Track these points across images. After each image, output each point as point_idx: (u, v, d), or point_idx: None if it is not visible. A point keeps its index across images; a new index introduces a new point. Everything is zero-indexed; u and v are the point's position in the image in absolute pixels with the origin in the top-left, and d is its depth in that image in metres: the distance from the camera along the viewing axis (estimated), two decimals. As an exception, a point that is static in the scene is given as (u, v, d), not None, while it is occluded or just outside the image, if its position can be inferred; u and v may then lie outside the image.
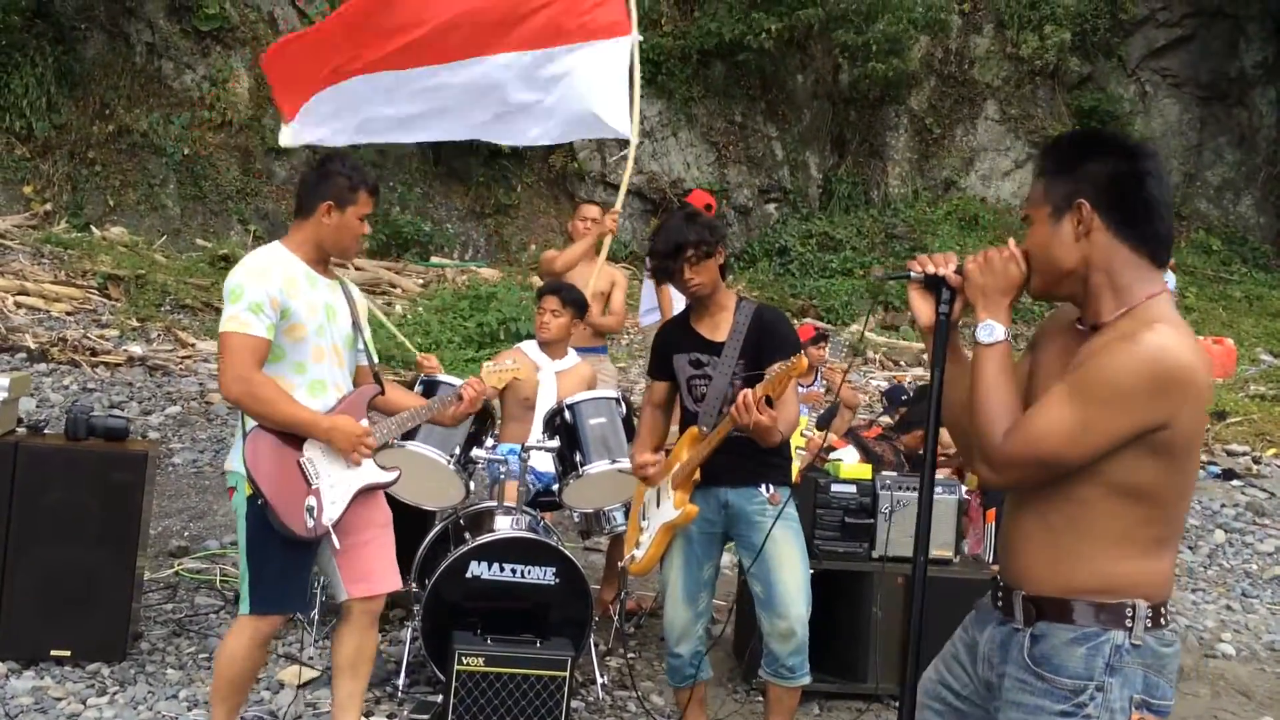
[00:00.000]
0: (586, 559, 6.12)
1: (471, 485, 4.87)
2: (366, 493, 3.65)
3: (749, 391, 3.58)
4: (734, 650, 5.14)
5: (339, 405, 3.62)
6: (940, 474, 5.67)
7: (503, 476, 4.74)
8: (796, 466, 4.81)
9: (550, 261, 6.46)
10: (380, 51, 6.19)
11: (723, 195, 15.29)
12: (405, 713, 4.32)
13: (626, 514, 4.66)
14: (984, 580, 2.43)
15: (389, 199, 14.47)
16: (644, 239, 12.87)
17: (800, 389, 6.31)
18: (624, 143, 6.26)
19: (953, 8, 17.36)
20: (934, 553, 4.66)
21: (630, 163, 6.48)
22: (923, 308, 2.29)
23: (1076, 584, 2.11)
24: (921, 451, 6.28)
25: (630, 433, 4.79)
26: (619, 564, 4.80)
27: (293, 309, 3.50)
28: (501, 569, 4.37)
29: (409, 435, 4.67)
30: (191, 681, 4.42)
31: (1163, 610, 2.12)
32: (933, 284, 2.28)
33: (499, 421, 5.46)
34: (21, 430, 4.76)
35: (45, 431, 4.72)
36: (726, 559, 4.80)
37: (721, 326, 3.96)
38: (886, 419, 7.18)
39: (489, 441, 4.92)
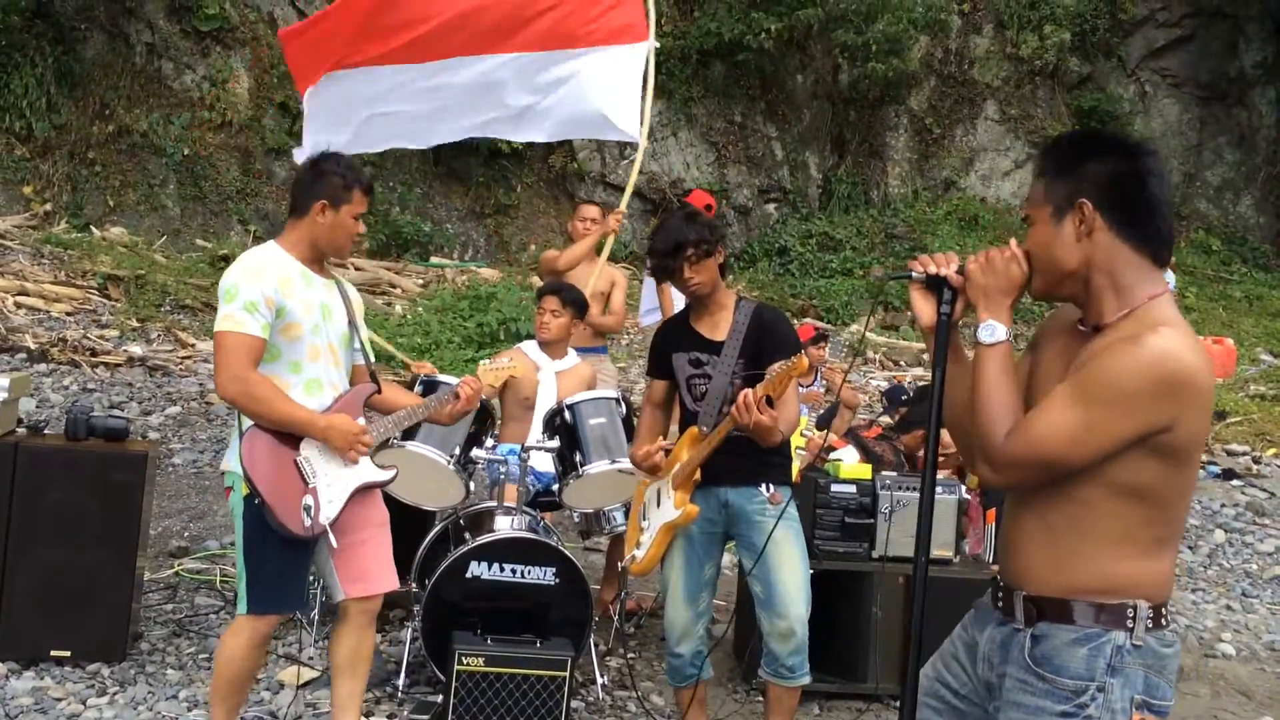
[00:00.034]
0: (586, 559, 6.12)
1: (471, 485, 4.87)
2: (363, 491, 3.64)
3: (750, 391, 3.58)
4: (734, 650, 5.14)
5: (335, 404, 3.61)
6: (940, 474, 5.67)
7: (503, 479, 4.74)
8: (796, 466, 4.81)
9: (552, 261, 6.46)
10: (383, 47, 6.19)
11: (722, 195, 15.29)
12: (405, 713, 4.32)
13: (626, 514, 4.66)
14: (984, 580, 2.42)
15: (389, 199, 14.48)
16: (644, 239, 12.87)
17: (800, 389, 6.31)
18: (630, 146, 6.27)
19: (952, 8, 17.36)
20: (934, 553, 4.66)
21: (637, 166, 6.49)
22: (924, 308, 2.29)
23: (1077, 584, 2.11)
24: (922, 451, 6.28)
25: (630, 433, 4.79)
26: (619, 564, 4.80)
27: (288, 308, 3.49)
28: (501, 569, 4.37)
29: (409, 435, 4.67)
30: (191, 682, 4.42)
31: (1163, 611, 2.12)
32: (934, 284, 2.27)
33: (499, 422, 5.46)
34: (21, 430, 4.76)
35: (45, 432, 4.72)
36: (726, 559, 4.80)
37: (721, 326, 3.96)
38: (886, 419, 7.18)
39: (489, 441, 4.92)
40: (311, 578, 4.06)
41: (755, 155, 16.41)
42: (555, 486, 4.96)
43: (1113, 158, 2.15)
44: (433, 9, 6.18)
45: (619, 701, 4.64)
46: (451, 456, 4.71)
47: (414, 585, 4.65)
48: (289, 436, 3.50)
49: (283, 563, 3.50)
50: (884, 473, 5.07)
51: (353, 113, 6.39)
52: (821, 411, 7.89)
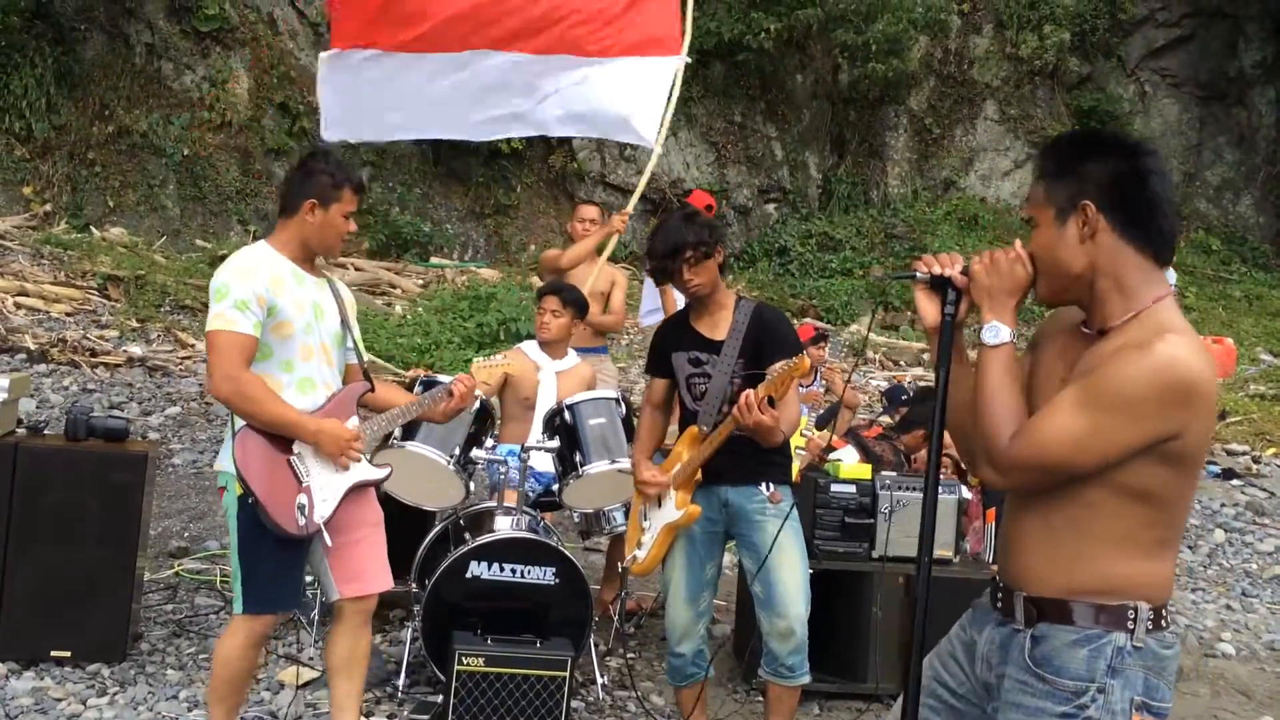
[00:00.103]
0: (586, 559, 6.12)
1: (471, 485, 4.87)
2: (358, 490, 3.64)
3: (751, 392, 3.58)
4: (734, 650, 5.14)
5: (329, 403, 3.61)
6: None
7: (502, 482, 4.74)
8: (796, 466, 4.81)
9: (553, 260, 6.46)
10: (421, 30, 6.21)
11: (722, 195, 15.30)
12: (405, 713, 4.32)
13: (626, 514, 4.66)
14: (984, 580, 2.42)
15: (389, 199, 14.49)
16: (644, 239, 12.89)
17: (800, 389, 6.31)
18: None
19: (952, 8, 17.37)
20: (935, 552, 4.65)
21: (648, 171, 6.51)
22: (928, 308, 2.28)
23: (1078, 585, 2.11)
24: (922, 451, 6.27)
25: (630, 433, 4.79)
26: (619, 564, 4.80)
27: (279, 306, 3.49)
28: (501, 569, 4.37)
29: (409, 435, 4.67)
30: (191, 682, 4.42)
31: (1164, 612, 2.12)
32: (939, 284, 2.26)
33: (499, 422, 5.46)
34: (21, 431, 4.76)
35: (45, 432, 4.72)
36: (727, 559, 4.80)
37: (721, 325, 3.96)
38: (886, 419, 7.18)
39: (489, 442, 4.92)
40: (310, 578, 4.06)
41: (755, 155, 16.42)
42: (555, 486, 4.95)
43: (1113, 158, 2.14)
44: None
45: (619, 701, 4.64)
46: (451, 457, 4.71)
47: (414, 585, 4.65)
48: (282, 436, 3.50)
49: (278, 562, 3.50)
50: (884, 473, 5.07)
51: (381, 99, 6.40)
52: (821, 411, 7.89)
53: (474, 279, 13.19)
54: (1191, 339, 2.05)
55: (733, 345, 3.89)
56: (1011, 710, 2.14)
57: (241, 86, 13.98)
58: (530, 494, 4.97)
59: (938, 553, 4.77)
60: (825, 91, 17.18)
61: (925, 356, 12.85)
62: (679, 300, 5.98)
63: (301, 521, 3.45)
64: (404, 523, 4.89)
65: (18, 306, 10.23)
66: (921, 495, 4.80)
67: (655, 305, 7.14)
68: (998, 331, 2.17)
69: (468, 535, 4.49)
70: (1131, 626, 2.08)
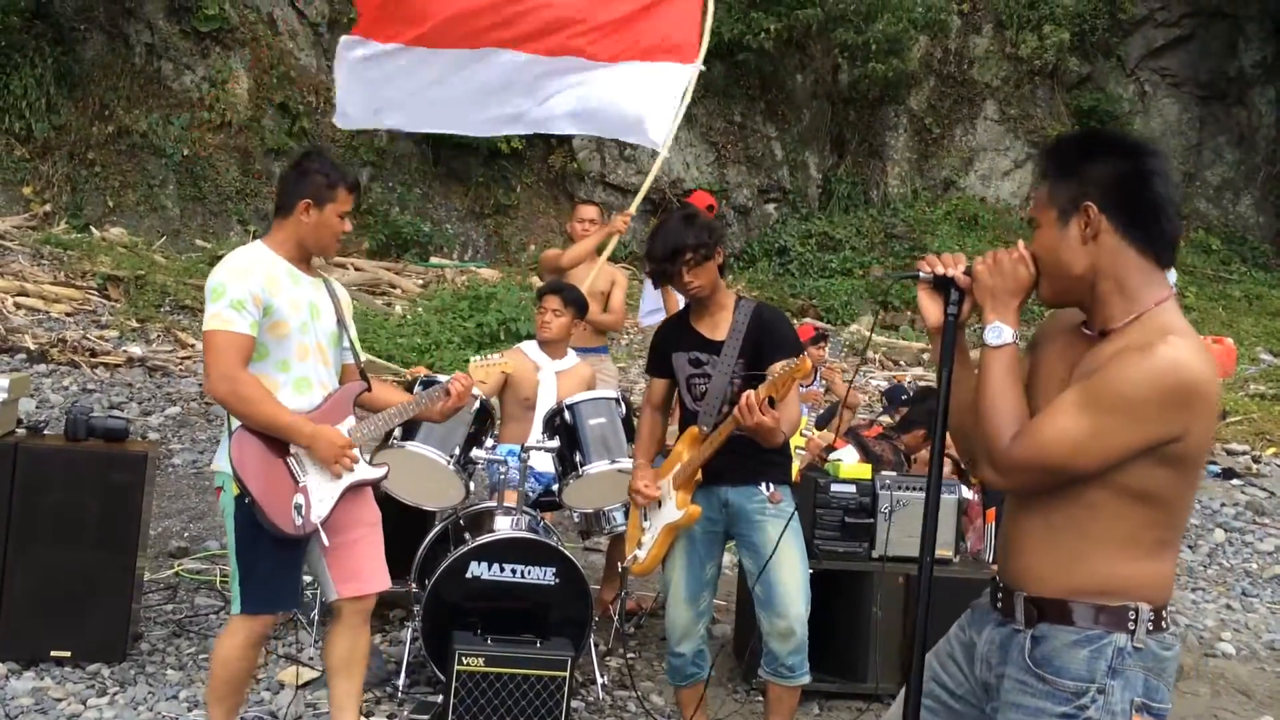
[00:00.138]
0: (586, 559, 6.12)
1: (471, 485, 4.87)
2: (355, 490, 3.63)
3: (752, 393, 3.57)
4: (734, 650, 5.14)
5: (325, 402, 3.61)
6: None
7: (502, 482, 4.74)
8: (796, 466, 4.81)
9: (554, 259, 6.46)
10: (445, 27, 6.24)
11: (722, 195, 15.30)
12: (405, 713, 4.32)
13: (626, 514, 4.66)
14: (984, 580, 2.41)
15: (388, 199, 14.49)
16: (644, 239, 12.91)
17: (800, 388, 6.32)
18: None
19: (952, 8, 17.37)
20: (935, 552, 4.65)
21: (653, 173, 6.54)
22: (931, 308, 2.28)
23: (1079, 585, 2.10)
24: (922, 451, 6.26)
25: (630, 433, 4.79)
26: (619, 564, 4.80)
27: (275, 306, 3.49)
28: (501, 569, 4.37)
29: (409, 435, 4.67)
30: (192, 682, 4.42)
31: (1164, 613, 2.12)
32: (942, 285, 2.26)
33: (499, 422, 5.46)
34: (21, 431, 4.75)
35: (45, 432, 4.72)
36: (726, 559, 4.80)
37: (721, 325, 3.96)
38: (886, 418, 7.17)
39: (489, 442, 4.92)
40: (309, 578, 4.06)
41: (755, 155, 16.41)
42: (555, 486, 4.95)
43: (1116, 158, 2.13)
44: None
45: (619, 701, 4.64)
46: (451, 457, 4.70)
47: (414, 585, 4.65)
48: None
49: (275, 562, 3.50)
50: (884, 473, 5.07)
51: (396, 92, 6.43)
52: (821, 411, 7.89)
53: (474, 279, 13.19)
54: (1193, 341, 2.05)
55: (733, 345, 3.89)
56: (1011, 710, 2.14)
57: (241, 86, 13.99)
58: (530, 494, 4.97)
59: (938, 552, 4.77)
60: (825, 91, 17.18)
61: (925, 356, 12.86)
62: (680, 300, 5.99)
63: (298, 521, 3.45)
64: (404, 523, 4.89)
65: (18, 306, 10.23)
66: (921, 495, 4.83)
67: (656, 305, 7.14)
68: (1001, 332, 2.17)
69: (468, 535, 4.49)
70: (1132, 627, 2.08)
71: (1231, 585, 7.30)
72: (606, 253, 6.32)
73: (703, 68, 6.25)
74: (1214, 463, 9.55)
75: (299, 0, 14.61)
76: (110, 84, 13.58)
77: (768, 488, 3.88)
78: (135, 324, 10.35)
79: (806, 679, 3.91)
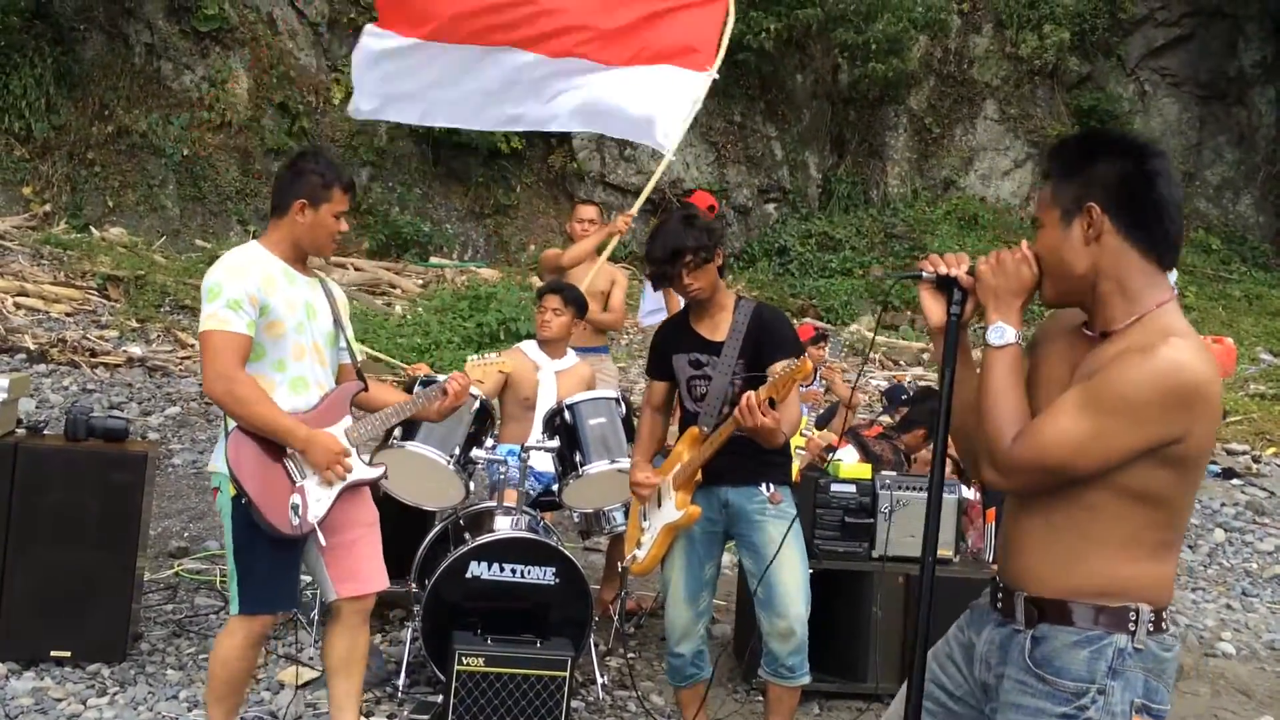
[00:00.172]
0: (586, 559, 6.12)
1: (471, 485, 4.87)
2: (352, 490, 3.63)
3: (752, 394, 3.57)
4: (734, 650, 5.14)
5: (322, 402, 3.60)
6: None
7: (502, 482, 4.74)
8: (796, 466, 4.81)
9: (554, 259, 6.47)
10: (439, 22, 6.29)
11: (722, 195, 15.29)
12: (405, 713, 4.31)
13: (626, 514, 4.66)
14: (984, 579, 2.41)
15: (388, 199, 14.49)
16: (644, 239, 12.93)
17: (800, 388, 6.33)
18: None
19: (952, 7, 17.37)
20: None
21: (656, 177, 6.56)
22: (933, 308, 2.27)
23: (1080, 586, 2.10)
24: (922, 451, 6.25)
25: (630, 433, 4.79)
26: (619, 564, 4.80)
27: (271, 305, 3.49)
28: (501, 569, 4.37)
29: (409, 435, 4.67)
30: (192, 682, 4.42)
31: (1164, 615, 2.12)
32: (944, 284, 2.26)
33: (499, 422, 5.46)
34: (21, 431, 4.75)
35: (45, 432, 4.72)
36: (726, 559, 4.79)
37: (721, 326, 3.95)
38: (887, 418, 7.18)
39: (489, 442, 4.92)
40: (309, 578, 4.06)
41: (755, 155, 16.41)
42: (555, 486, 4.95)
43: (1120, 159, 2.13)
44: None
45: (619, 701, 4.64)
46: (451, 456, 4.70)
47: (414, 585, 4.65)
48: None
49: (273, 562, 3.49)
50: (884, 472, 5.07)
51: (414, 84, 6.47)
52: (821, 411, 7.89)
53: (474, 279, 13.19)
54: (1194, 343, 2.05)
55: (733, 346, 3.89)
56: (1011, 711, 2.14)
57: (241, 86, 13.99)
58: (530, 494, 4.97)
59: (938, 552, 4.78)
60: (825, 91, 17.18)
61: (925, 356, 12.86)
62: (682, 301, 5.99)
63: (295, 521, 3.45)
64: (404, 523, 4.89)
65: (18, 306, 10.22)
66: (920, 494, 4.84)
67: (657, 306, 7.14)
68: (1003, 332, 2.17)
69: (468, 535, 4.49)
70: (1133, 628, 2.08)
71: (1231, 585, 7.30)
72: (606, 252, 6.32)
73: (715, 75, 6.28)
74: (1214, 463, 9.55)
75: (299, 0, 14.60)
76: (110, 84, 13.58)
77: (768, 488, 3.88)
78: (135, 324, 10.35)
79: (806, 679, 3.91)
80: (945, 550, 4.88)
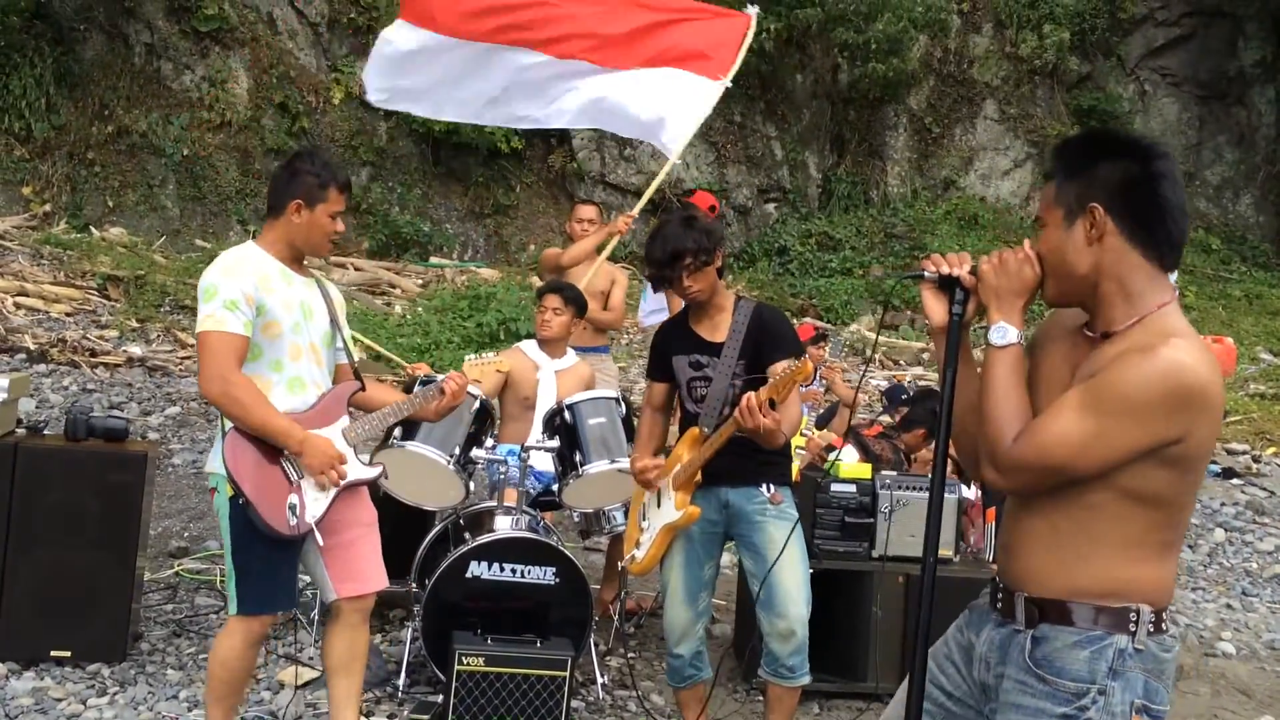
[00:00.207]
0: (586, 559, 6.12)
1: (471, 485, 4.87)
2: (350, 490, 3.63)
3: (753, 395, 3.56)
4: (734, 650, 5.14)
5: (319, 402, 3.60)
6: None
7: (502, 481, 4.74)
8: (796, 466, 4.81)
9: (554, 258, 6.47)
10: (488, 21, 6.32)
11: (722, 195, 15.29)
12: (405, 713, 4.31)
13: (626, 514, 4.66)
14: (984, 579, 2.41)
15: (388, 199, 14.49)
16: (644, 238, 12.92)
17: (800, 388, 6.33)
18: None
19: (952, 7, 17.36)
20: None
21: (658, 180, 6.57)
22: (935, 308, 2.27)
23: (1081, 586, 2.10)
24: (921, 450, 6.24)
25: (630, 432, 4.79)
26: (619, 564, 4.80)
27: (268, 306, 3.49)
28: (501, 569, 4.37)
29: (409, 435, 4.67)
30: (192, 682, 4.42)
31: (1164, 615, 2.12)
32: (947, 284, 2.25)
33: (499, 421, 5.46)
34: (21, 431, 4.75)
35: (45, 432, 4.72)
36: (726, 559, 4.79)
37: (720, 327, 3.95)
38: (886, 418, 7.18)
39: (489, 441, 4.92)
40: (308, 578, 4.06)
41: (755, 155, 16.41)
42: (555, 486, 4.95)
43: (1124, 160, 2.12)
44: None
45: (619, 701, 4.64)
46: (451, 456, 4.70)
47: (414, 585, 4.65)
48: None
49: (271, 562, 3.49)
50: (884, 472, 5.07)
51: (426, 78, 6.51)
52: (821, 411, 7.89)
53: (474, 279, 13.19)
54: (1195, 343, 2.05)
55: (732, 347, 3.89)
56: (1011, 711, 2.14)
57: (241, 86, 13.98)
58: (530, 494, 4.97)
59: (939, 552, 4.78)
60: (825, 91, 17.18)
61: (925, 356, 12.85)
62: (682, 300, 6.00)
63: (292, 521, 3.44)
64: (404, 523, 4.89)
65: (18, 306, 10.23)
66: (920, 494, 4.84)
67: (659, 306, 7.14)
68: (1005, 332, 2.16)
69: (468, 535, 4.49)
70: (1133, 629, 2.07)
71: (1231, 585, 7.30)
72: (605, 252, 6.32)
73: (728, 84, 6.30)
74: (1214, 462, 9.55)
75: (299, 0, 14.60)
76: (110, 84, 13.58)
77: (768, 489, 3.88)
78: (135, 324, 10.35)
79: (807, 679, 3.91)
80: (945, 550, 4.88)
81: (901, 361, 13.04)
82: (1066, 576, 2.12)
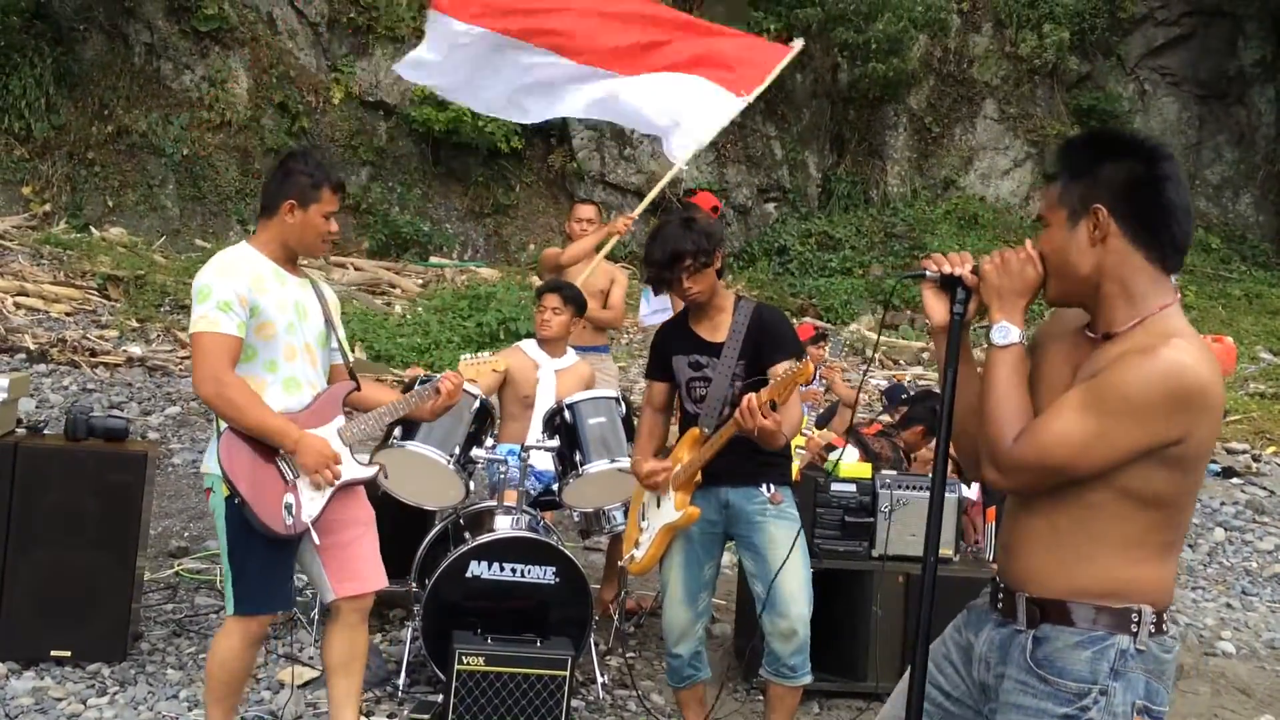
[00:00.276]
0: (586, 559, 6.12)
1: (471, 485, 4.87)
2: (347, 489, 3.63)
3: (753, 396, 3.56)
4: (734, 650, 5.14)
5: (314, 402, 3.60)
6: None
7: (502, 481, 4.74)
8: (796, 466, 4.81)
9: (554, 258, 6.46)
10: (522, 21, 6.35)
11: (722, 194, 15.28)
12: (405, 713, 4.31)
13: (626, 513, 4.66)
14: (985, 579, 2.41)
15: (388, 199, 14.48)
16: (644, 237, 12.90)
17: (800, 388, 6.33)
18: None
19: (952, 7, 17.36)
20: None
21: (664, 182, 6.57)
22: (937, 307, 2.27)
23: (1082, 587, 2.10)
24: (921, 450, 6.23)
25: (630, 432, 4.79)
26: (619, 563, 4.80)
27: (261, 306, 3.49)
28: (501, 569, 4.37)
29: (409, 435, 4.66)
30: (192, 681, 4.42)
31: (1165, 616, 2.12)
32: (948, 283, 2.25)
33: (498, 421, 5.46)
34: (21, 431, 4.76)
35: (45, 432, 4.72)
36: (726, 559, 4.79)
37: (720, 327, 3.95)
38: (886, 417, 7.18)
39: (489, 441, 4.91)
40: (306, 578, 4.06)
41: (754, 155, 16.41)
42: (555, 486, 4.95)
43: (1128, 161, 2.11)
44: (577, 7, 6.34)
45: (619, 701, 4.64)
46: (451, 456, 4.70)
47: (414, 585, 4.65)
48: None
49: (267, 562, 3.49)
50: (884, 471, 5.07)
51: (467, 70, 6.52)
52: (821, 411, 7.89)
53: (473, 278, 13.19)
54: (1196, 344, 2.04)
55: (732, 347, 3.88)
56: (1011, 711, 2.14)
57: (241, 86, 13.98)
58: (530, 493, 4.97)
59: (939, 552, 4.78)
60: (825, 91, 17.18)
61: (925, 356, 12.85)
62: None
63: (289, 521, 3.44)
64: (404, 522, 4.89)
65: (18, 306, 10.23)
66: (920, 494, 4.83)
67: (662, 306, 7.13)
68: (1007, 332, 2.16)
69: (468, 535, 4.49)
70: (1135, 630, 2.07)
71: (1231, 584, 7.30)
72: (604, 251, 6.32)
73: (750, 100, 6.29)
74: (1214, 462, 9.56)
75: (299, 0, 14.60)
76: (110, 84, 13.58)
77: (768, 489, 3.87)
78: (135, 324, 10.35)
79: (808, 679, 3.91)
80: (945, 550, 4.88)
81: (901, 361, 13.04)
82: (1067, 577, 2.11)
